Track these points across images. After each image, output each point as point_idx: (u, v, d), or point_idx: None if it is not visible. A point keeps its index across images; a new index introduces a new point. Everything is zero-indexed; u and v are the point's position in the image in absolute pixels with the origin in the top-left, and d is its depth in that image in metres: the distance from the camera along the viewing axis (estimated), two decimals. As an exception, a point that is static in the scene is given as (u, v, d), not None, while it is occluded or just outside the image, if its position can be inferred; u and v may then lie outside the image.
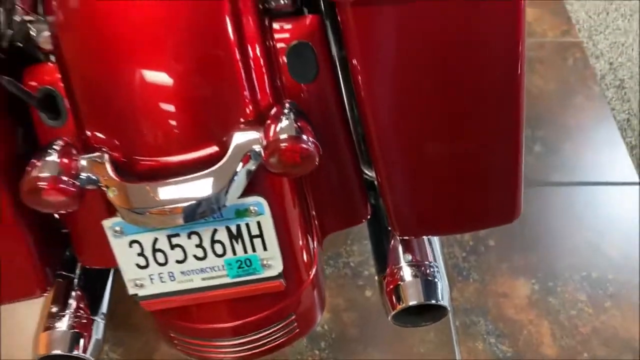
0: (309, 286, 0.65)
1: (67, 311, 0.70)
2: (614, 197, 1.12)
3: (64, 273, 0.71)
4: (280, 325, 0.65)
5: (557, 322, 0.95)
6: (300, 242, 0.62)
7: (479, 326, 0.95)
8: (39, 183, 0.51)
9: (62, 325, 0.69)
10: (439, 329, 0.94)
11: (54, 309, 0.70)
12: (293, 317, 0.65)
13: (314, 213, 0.66)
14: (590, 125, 1.22)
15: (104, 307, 0.74)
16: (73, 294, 0.71)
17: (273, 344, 0.66)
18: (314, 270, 0.66)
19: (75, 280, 0.72)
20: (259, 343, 0.65)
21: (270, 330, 0.65)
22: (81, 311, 0.71)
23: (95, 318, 0.72)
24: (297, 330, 0.66)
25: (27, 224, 0.62)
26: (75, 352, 0.67)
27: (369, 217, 0.68)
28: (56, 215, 0.66)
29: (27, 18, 0.57)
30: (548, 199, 1.11)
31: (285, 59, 0.57)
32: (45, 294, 0.68)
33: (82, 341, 0.69)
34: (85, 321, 0.70)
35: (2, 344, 0.94)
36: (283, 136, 0.50)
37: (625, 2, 1.46)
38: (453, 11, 0.51)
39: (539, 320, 0.95)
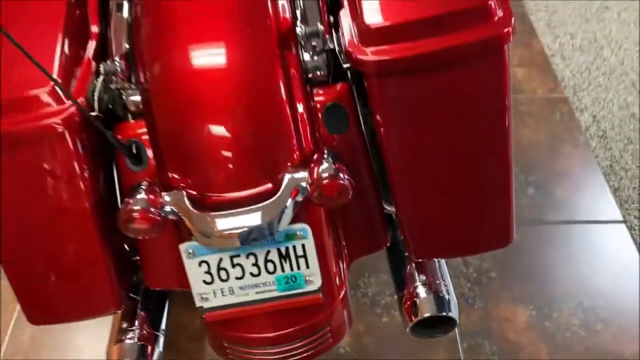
0: (340, 303, 0.78)
1: (134, 327, 0.83)
2: (601, 234, 1.26)
3: (131, 295, 0.85)
4: (316, 336, 0.77)
5: (553, 343, 1.07)
6: (334, 264, 0.76)
7: (484, 347, 1.07)
8: (134, 214, 0.65)
9: (131, 338, 0.82)
10: (449, 350, 1.06)
11: (124, 325, 0.83)
12: (327, 329, 0.78)
13: (344, 243, 0.80)
14: (577, 170, 1.37)
15: (164, 324, 0.87)
16: (139, 312, 0.84)
17: (309, 352, 0.78)
18: (344, 289, 0.79)
19: (140, 301, 0.85)
20: (299, 351, 0.78)
21: (308, 340, 0.77)
22: (146, 327, 0.84)
23: (158, 333, 0.85)
24: (330, 341, 0.79)
25: (109, 253, 0.75)
26: (142, 357, 0.80)
27: (388, 244, 0.82)
28: (127, 247, 0.80)
29: (120, 86, 0.73)
30: (542, 235, 1.25)
31: (322, 116, 0.73)
32: (118, 311, 0.82)
33: (147, 352, 0.82)
34: (149, 335, 0.83)
35: None
36: (325, 175, 0.65)
37: (606, 62, 1.64)
38: (450, 80, 0.67)
39: (537, 342, 1.07)
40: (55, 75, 0.67)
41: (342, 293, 0.78)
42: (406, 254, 0.80)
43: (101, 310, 0.79)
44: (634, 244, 1.23)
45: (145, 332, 0.83)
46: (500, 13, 0.66)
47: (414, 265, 0.83)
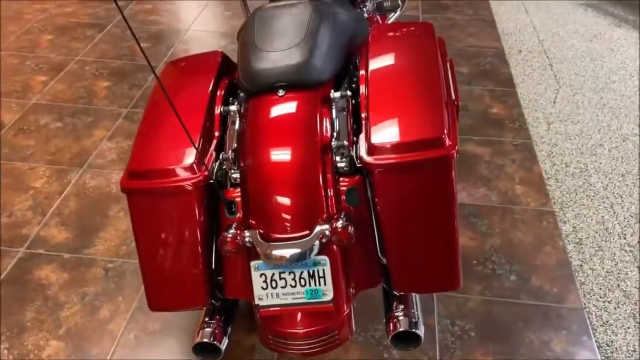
0: (347, 317, 1.20)
1: (212, 322, 1.27)
2: (563, 315, 1.61)
3: (213, 301, 1.30)
4: (329, 336, 1.19)
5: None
6: (344, 288, 1.18)
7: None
8: (227, 240, 1.12)
9: (209, 327, 1.26)
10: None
11: (206, 319, 1.27)
12: (335, 332, 1.19)
13: (352, 282, 1.23)
14: (552, 265, 1.75)
15: (231, 325, 1.30)
16: (216, 313, 1.29)
17: (323, 347, 1.19)
18: (350, 308, 1.21)
19: (219, 306, 1.30)
20: (316, 345, 1.19)
21: (323, 338, 1.19)
22: (219, 323, 1.27)
23: (228, 329, 1.28)
24: (337, 341, 1.20)
25: (205, 269, 1.22)
26: (215, 342, 1.23)
27: (381, 284, 1.25)
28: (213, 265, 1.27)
29: (228, 168, 1.24)
30: (516, 311, 1.61)
31: (344, 194, 1.20)
32: (203, 308, 1.27)
33: (218, 339, 1.25)
34: (221, 329, 1.27)
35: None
36: (340, 227, 1.10)
37: (592, 187, 2.05)
38: (418, 179, 1.12)
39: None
40: (194, 156, 1.18)
41: (348, 310, 1.21)
42: (392, 290, 1.22)
43: (193, 305, 1.24)
44: (589, 326, 1.57)
45: (219, 326, 1.27)
46: (449, 142, 1.13)
47: (396, 297, 1.25)
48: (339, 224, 1.12)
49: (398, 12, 2.36)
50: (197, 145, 1.21)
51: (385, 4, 2.26)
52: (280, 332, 1.20)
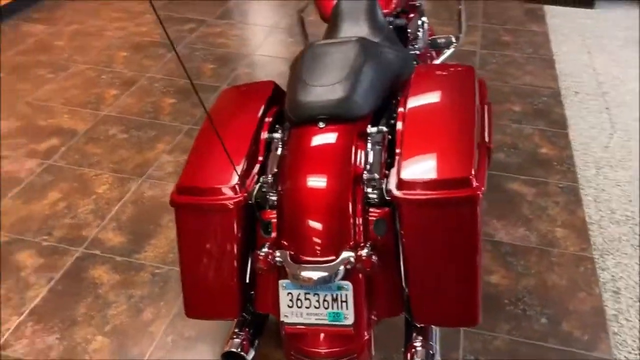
0: (366, 342, 1.26)
1: (242, 333, 1.36)
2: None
3: (244, 314, 1.38)
4: (348, 358, 1.25)
5: None
6: (365, 313, 1.24)
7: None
8: (259, 258, 1.21)
9: (238, 338, 1.34)
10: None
11: (236, 330, 1.36)
12: (355, 356, 1.25)
13: (374, 309, 1.29)
14: (586, 312, 1.73)
15: (259, 338, 1.38)
16: (246, 325, 1.37)
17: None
18: (370, 334, 1.27)
19: (249, 319, 1.38)
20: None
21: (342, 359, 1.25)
22: (248, 336, 1.36)
23: (255, 342, 1.36)
24: (358, 365, 1.26)
25: (240, 281, 1.31)
26: (242, 352, 1.32)
27: (402, 312, 1.30)
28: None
29: (267, 190, 1.33)
30: (541, 354, 1.61)
31: (373, 224, 1.26)
32: (234, 319, 1.36)
33: (245, 349, 1.33)
34: (249, 341, 1.35)
35: None
36: (364, 256, 1.17)
37: (636, 236, 2.01)
38: (443, 216, 1.18)
39: None
40: (237, 177, 1.28)
41: (368, 336, 1.26)
42: (412, 321, 1.27)
43: (226, 315, 1.34)
44: (618, 377, 1.55)
45: (247, 338, 1.35)
46: (476, 182, 1.18)
47: (416, 328, 1.30)
48: (364, 252, 1.18)
49: (452, 49, 2.42)
50: (240, 167, 1.31)
51: (439, 41, 2.33)
52: (303, 351, 1.27)
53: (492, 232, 2.05)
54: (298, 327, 1.24)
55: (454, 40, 2.36)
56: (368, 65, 1.39)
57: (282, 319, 1.25)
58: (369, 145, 1.33)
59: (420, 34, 2.06)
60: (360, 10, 1.81)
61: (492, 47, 3.36)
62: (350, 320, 1.22)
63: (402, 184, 1.21)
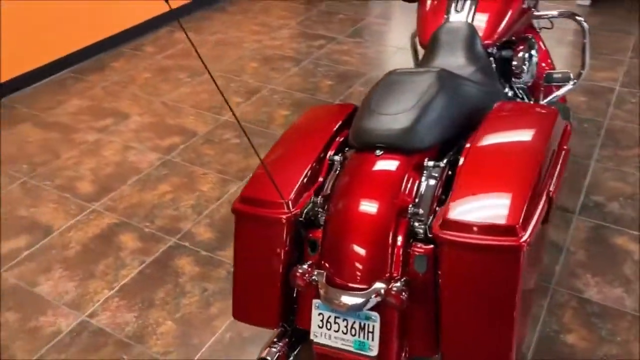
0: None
1: (280, 343, 1.40)
2: None
3: (285, 325, 1.43)
4: (370, 390, 1.24)
5: None
6: (395, 348, 1.22)
7: None
8: (297, 274, 1.25)
9: (275, 347, 1.39)
10: None
11: (275, 340, 1.41)
12: (378, 388, 1.24)
13: (407, 345, 1.26)
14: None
15: (296, 352, 1.42)
16: (284, 337, 1.42)
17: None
18: (403, 370, 1.24)
19: (289, 331, 1.43)
20: (357, 394, 1.25)
21: (364, 390, 1.24)
22: (285, 346, 1.40)
23: (291, 355, 1.40)
24: (378, 398, 1.24)
25: (283, 293, 1.36)
26: (275, 363, 1.36)
27: (437, 354, 1.25)
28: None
29: (319, 209, 1.37)
30: None
31: (413, 259, 1.24)
32: (274, 329, 1.41)
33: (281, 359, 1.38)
34: (284, 354, 1.39)
35: None
36: (394, 290, 1.16)
37: None
38: (484, 262, 1.12)
39: None
40: (293, 193, 1.33)
41: (399, 371, 1.24)
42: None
43: (266, 323, 1.39)
44: None
45: (283, 349, 1.39)
46: (522, 232, 1.10)
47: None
48: (395, 287, 1.17)
49: (570, 85, 2.27)
50: (298, 184, 1.36)
51: (554, 75, 2.19)
52: (330, 373, 1.29)
53: (582, 287, 1.87)
54: (325, 348, 1.26)
55: (571, 75, 2.20)
56: (439, 97, 1.37)
57: (312, 337, 1.27)
58: (424, 179, 1.31)
59: (525, 67, 1.95)
60: (458, 39, 1.78)
61: (634, 85, 3.06)
62: (374, 351, 1.21)
63: (445, 223, 1.18)
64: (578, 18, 2.21)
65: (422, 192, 1.29)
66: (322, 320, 1.26)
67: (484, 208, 1.17)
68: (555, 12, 2.29)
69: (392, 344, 1.23)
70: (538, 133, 1.33)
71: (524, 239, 1.11)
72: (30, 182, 2.50)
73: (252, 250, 1.39)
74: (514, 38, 2.01)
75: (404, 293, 1.16)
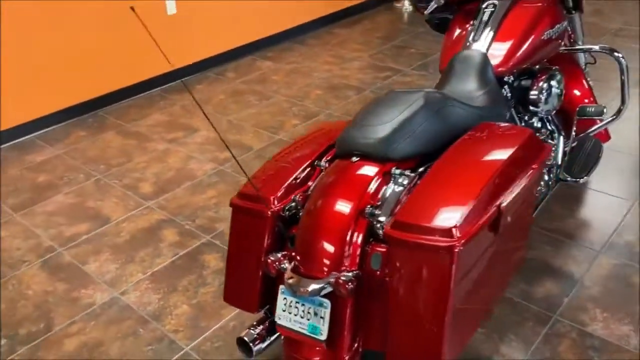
0: (346, 363, 1.33)
1: (259, 327, 1.54)
2: None
3: (266, 312, 1.57)
4: (321, 374, 1.34)
5: None
6: (346, 336, 1.32)
7: None
8: (269, 262, 1.40)
9: (253, 332, 1.53)
10: None
11: (254, 324, 1.55)
12: (329, 374, 1.34)
13: (360, 337, 1.35)
14: None
15: (274, 338, 1.55)
16: (265, 322, 1.55)
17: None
18: (352, 358, 1.33)
19: (270, 316, 1.56)
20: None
21: (317, 372, 1.35)
22: (264, 332, 1.53)
23: (268, 339, 1.53)
24: (329, 382, 1.34)
25: (263, 282, 1.51)
26: (250, 343, 1.50)
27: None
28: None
29: (296, 206, 1.51)
30: None
31: (371, 257, 1.34)
32: (254, 313, 1.56)
33: (257, 342, 1.51)
34: (262, 337, 1.52)
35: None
36: (341, 280, 1.27)
37: None
38: (422, 260, 1.20)
39: None
40: (282, 192, 1.50)
41: (348, 357, 1.33)
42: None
43: (246, 308, 1.54)
44: None
45: (262, 333, 1.53)
46: (458, 235, 1.18)
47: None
48: (343, 277, 1.28)
49: (607, 121, 2.24)
50: (287, 184, 1.51)
51: (587, 109, 2.18)
52: (289, 353, 1.41)
53: (587, 321, 1.83)
54: (286, 330, 1.39)
55: (605, 110, 2.18)
56: (420, 114, 1.48)
57: (276, 319, 1.41)
58: (391, 185, 1.41)
59: (543, 97, 1.98)
60: (471, 66, 1.87)
61: None
62: (324, 336, 1.32)
63: (394, 223, 1.28)
64: (616, 54, 2.19)
65: (387, 197, 1.40)
66: (285, 305, 1.40)
67: (429, 212, 1.26)
68: (596, 47, 2.29)
69: (342, 332, 1.33)
70: (499, 151, 1.40)
71: (458, 241, 1.18)
72: (103, 180, 2.87)
73: (241, 241, 1.56)
74: (537, 67, 2.05)
75: (350, 284, 1.27)
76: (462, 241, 1.19)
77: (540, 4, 2.00)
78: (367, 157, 1.44)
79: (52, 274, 2.23)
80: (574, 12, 2.32)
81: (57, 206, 2.67)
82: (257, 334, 1.52)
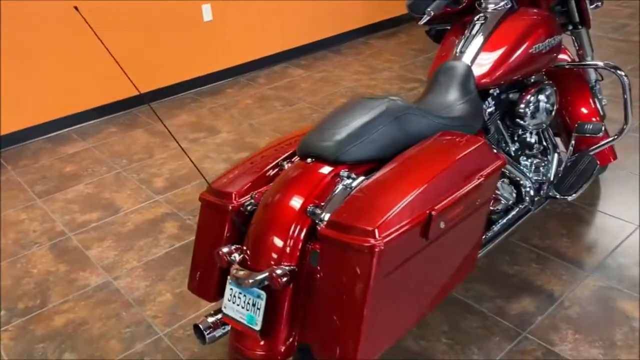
0: (278, 354, 1.38)
1: (215, 316, 1.61)
2: None
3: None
4: (255, 362, 1.40)
5: None
6: (281, 328, 1.37)
7: None
8: (219, 254, 1.47)
9: (209, 320, 1.60)
10: None
11: (212, 313, 1.62)
12: (260, 362, 1.39)
13: (295, 331, 1.40)
14: None
15: (228, 327, 1.61)
16: (220, 312, 1.63)
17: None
18: (288, 350, 1.38)
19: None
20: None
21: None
22: (219, 321, 1.60)
23: (222, 329, 1.60)
24: (265, 372, 1.40)
25: (221, 273, 1.58)
26: (204, 330, 1.58)
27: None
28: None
29: (252, 203, 1.58)
30: None
31: (310, 254, 1.39)
32: (211, 302, 1.64)
33: (212, 330, 1.58)
34: (217, 326, 1.59)
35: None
36: (274, 274, 1.32)
37: None
38: (346, 258, 1.24)
39: None
40: (246, 189, 1.57)
41: (284, 348, 1.38)
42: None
43: (204, 296, 1.62)
44: None
45: (217, 322, 1.60)
46: (380, 236, 1.21)
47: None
48: (278, 271, 1.34)
49: (608, 140, 2.18)
50: (248, 181, 1.59)
51: (585, 126, 2.14)
52: (232, 342, 1.48)
53: (556, 341, 1.79)
54: (230, 319, 1.46)
55: (603, 128, 2.13)
56: (376, 121, 1.52)
57: (222, 308, 1.48)
58: (339, 187, 1.46)
59: (529, 110, 1.95)
60: (453, 77, 1.89)
61: None
62: (258, 327, 1.38)
63: (329, 222, 1.32)
64: (619, 72, 2.14)
65: (333, 198, 1.44)
66: (230, 295, 1.46)
67: (359, 213, 1.30)
68: (600, 63, 2.23)
69: (277, 324, 1.39)
70: (443, 158, 1.41)
71: (380, 241, 1.21)
72: (122, 173, 3.05)
73: (205, 233, 1.65)
74: (532, 80, 2.02)
75: (284, 278, 1.32)
76: (384, 242, 1.22)
77: (533, 17, 1.99)
78: (321, 159, 1.49)
79: (57, 256, 2.40)
80: (580, 27, 2.29)
81: (76, 195, 2.87)
82: (212, 323, 1.59)
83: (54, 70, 3.48)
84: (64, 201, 2.82)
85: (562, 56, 2.39)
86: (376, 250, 1.22)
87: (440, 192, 1.35)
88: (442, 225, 1.34)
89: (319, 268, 1.35)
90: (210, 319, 1.59)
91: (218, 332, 1.59)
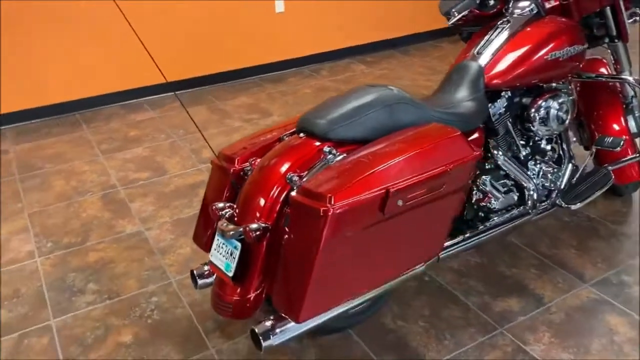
0: (247, 300, 1.55)
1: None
2: None
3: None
4: (225, 305, 1.57)
5: None
6: (253, 277, 1.54)
7: None
8: (212, 209, 1.66)
9: (205, 268, 1.81)
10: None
11: (207, 262, 1.83)
12: (231, 306, 1.57)
13: (266, 282, 1.56)
14: None
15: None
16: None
17: (224, 312, 1.58)
18: (254, 295, 1.55)
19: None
20: (221, 307, 1.59)
21: (224, 304, 1.58)
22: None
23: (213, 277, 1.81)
24: (231, 313, 1.57)
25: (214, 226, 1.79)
26: (197, 277, 1.78)
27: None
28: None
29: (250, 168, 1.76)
30: None
31: (285, 218, 1.55)
32: (208, 253, 1.84)
33: (203, 277, 1.79)
34: (210, 274, 1.80)
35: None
36: (248, 229, 1.49)
37: None
38: (301, 223, 1.39)
39: None
40: (249, 155, 1.76)
41: (253, 296, 1.55)
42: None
43: (203, 248, 1.83)
44: None
45: (210, 270, 1.81)
46: (334, 202, 1.34)
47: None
48: (252, 226, 1.51)
49: (629, 157, 2.18)
50: (250, 149, 1.78)
51: (605, 140, 2.14)
52: (213, 287, 1.67)
53: (530, 341, 1.82)
54: (213, 266, 1.65)
55: (622, 143, 2.11)
56: (370, 105, 1.66)
57: (209, 256, 1.68)
58: (322, 161, 1.60)
59: (538, 116, 1.99)
60: (465, 75, 1.98)
61: None
62: (231, 273, 1.56)
63: (299, 190, 1.48)
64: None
65: (313, 170, 1.59)
66: (216, 245, 1.66)
67: (325, 182, 1.45)
68: (630, 78, 2.22)
69: (249, 273, 1.56)
70: (414, 144, 1.52)
71: (334, 207, 1.35)
72: (177, 142, 3.35)
73: (210, 192, 1.86)
74: (553, 86, 2.05)
75: (255, 232, 1.49)
76: (338, 207, 1.35)
77: (555, 25, 2.01)
78: (312, 134, 1.65)
79: (105, 204, 2.72)
80: (617, 40, 2.26)
81: (133, 156, 3.20)
82: (205, 271, 1.80)
83: (136, 47, 3.86)
84: (122, 160, 3.16)
85: (601, 69, 2.38)
86: (329, 214, 1.36)
87: (403, 172, 1.46)
88: (399, 203, 1.45)
89: (287, 229, 1.50)
90: (205, 267, 1.81)
91: (210, 279, 1.80)
